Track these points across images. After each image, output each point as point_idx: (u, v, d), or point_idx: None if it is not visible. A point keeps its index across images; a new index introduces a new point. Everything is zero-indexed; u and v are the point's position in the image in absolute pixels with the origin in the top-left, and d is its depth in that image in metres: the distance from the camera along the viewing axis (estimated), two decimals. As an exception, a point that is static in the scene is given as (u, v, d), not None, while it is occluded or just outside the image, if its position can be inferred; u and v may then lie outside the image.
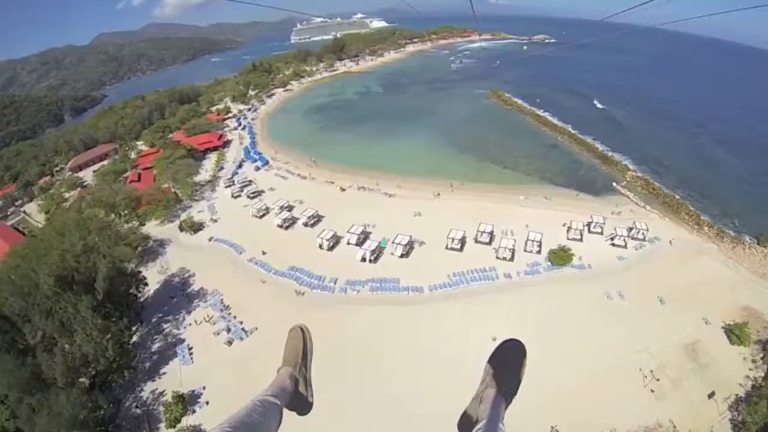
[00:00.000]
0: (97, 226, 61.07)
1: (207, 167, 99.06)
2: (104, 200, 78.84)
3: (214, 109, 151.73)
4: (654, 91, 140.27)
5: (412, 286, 51.93)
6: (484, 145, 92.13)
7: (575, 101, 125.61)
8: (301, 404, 3.56)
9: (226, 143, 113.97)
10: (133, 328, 50.36)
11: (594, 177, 79.66)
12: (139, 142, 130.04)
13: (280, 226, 67.35)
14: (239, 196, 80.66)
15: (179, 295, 56.29)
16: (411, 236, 59.16)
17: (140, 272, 58.82)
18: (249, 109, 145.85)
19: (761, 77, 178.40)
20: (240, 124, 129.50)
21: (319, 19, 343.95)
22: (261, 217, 71.39)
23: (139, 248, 66.60)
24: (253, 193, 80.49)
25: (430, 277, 52.46)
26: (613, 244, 57.69)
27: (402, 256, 56.94)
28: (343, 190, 77.58)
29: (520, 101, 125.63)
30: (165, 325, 51.81)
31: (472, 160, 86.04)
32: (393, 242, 57.97)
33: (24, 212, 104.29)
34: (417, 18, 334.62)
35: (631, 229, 59.60)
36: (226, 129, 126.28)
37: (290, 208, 71.75)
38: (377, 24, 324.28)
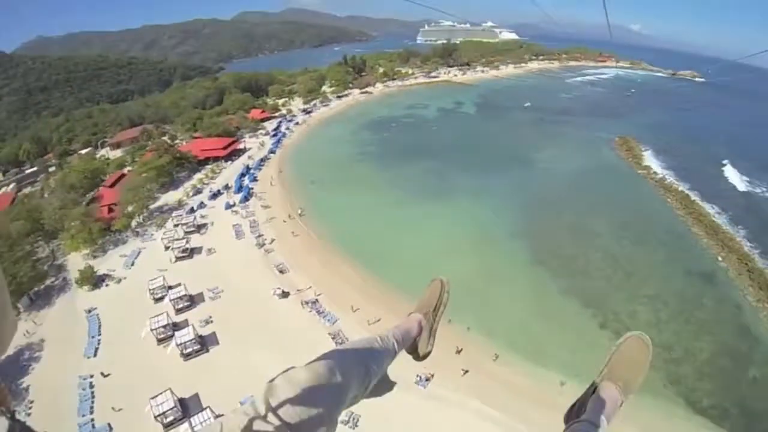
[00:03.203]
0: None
1: (187, 185, 73.03)
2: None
3: (271, 102, 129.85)
4: None
5: None
6: (580, 253, 51.16)
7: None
8: (420, 351, 3.50)
9: (237, 153, 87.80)
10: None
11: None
12: (167, 127, 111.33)
13: (158, 339, 38.01)
14: (169, 247, 53.30)
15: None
16: None
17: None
18: (305, 111, 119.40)
19: None
20: (278, 130, 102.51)
21: (448, 23, 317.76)
22: (157, 300, 43.28)
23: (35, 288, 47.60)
24: (183, 251, 51.73)
25: None
26: None
27: None
28: (285, 295, 43.52)
29: (659, 167, 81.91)
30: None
31: (543, 284, 45.54)
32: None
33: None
34: (553, 37, 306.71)
35: None
36: (260, 132, 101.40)
37: (189, 304, 42.63)
38: (507, 35, 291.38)
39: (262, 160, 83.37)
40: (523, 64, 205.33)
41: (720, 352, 37.20)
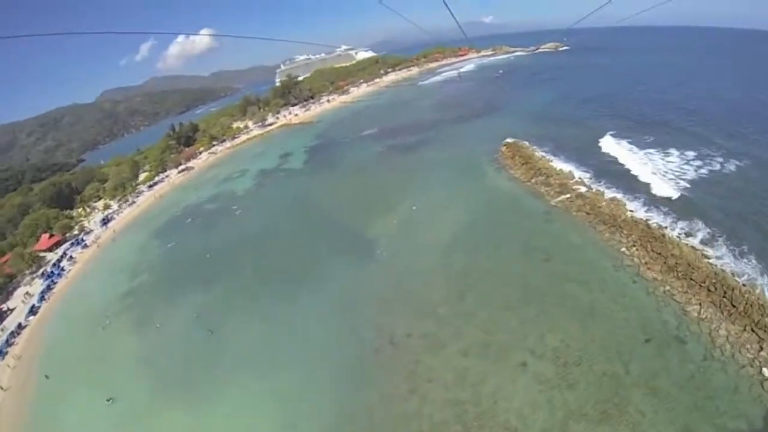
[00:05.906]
0: None
1: None
2: None
3: (78, 212, 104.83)
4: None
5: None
6: None
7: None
8: None
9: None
10: None
11: None
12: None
13: None
14: None
15: None
16: None
17: None
18: (103, 220, 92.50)
19: None
20: (57, 265, 75.36)
21: (303, 57, 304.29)
22: None
23: None
24: None
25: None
26: None
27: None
28: None
29: (582, 178, 55.77)
30: None
31: None
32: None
33: None
34: (412, 46, 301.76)
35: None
36: (41, 273, 74.69)
37: None
38: (363, 55, 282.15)
39: (12, 333, 55.98)
40: (377, 80, 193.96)
41: None
